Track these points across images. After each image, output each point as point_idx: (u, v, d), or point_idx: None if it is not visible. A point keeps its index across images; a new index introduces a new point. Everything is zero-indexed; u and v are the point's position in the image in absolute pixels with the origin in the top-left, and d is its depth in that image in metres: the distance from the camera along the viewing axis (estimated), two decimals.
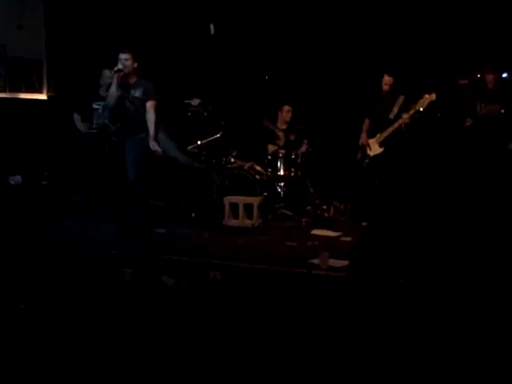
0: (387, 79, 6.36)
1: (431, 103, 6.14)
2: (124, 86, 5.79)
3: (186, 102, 7.45)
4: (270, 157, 7.13)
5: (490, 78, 6.45)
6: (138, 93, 5.82)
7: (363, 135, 6.64)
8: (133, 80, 5.84)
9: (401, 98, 6.33)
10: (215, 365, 3.49)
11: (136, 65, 5.82)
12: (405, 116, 6.21)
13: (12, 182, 7.25)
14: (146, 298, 4.56)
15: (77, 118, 6.88)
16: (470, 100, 6.63)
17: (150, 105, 5.82)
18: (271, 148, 7.30)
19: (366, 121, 6.68)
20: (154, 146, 5.77)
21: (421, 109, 6.13)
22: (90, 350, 3.66)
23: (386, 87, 6.40)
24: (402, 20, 7.09)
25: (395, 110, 6.32)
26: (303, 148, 7.19)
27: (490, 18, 6.76)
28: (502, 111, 6.36)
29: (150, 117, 5.80)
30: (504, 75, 6.70)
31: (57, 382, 3.32)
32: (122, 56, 5.74)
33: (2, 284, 4.74)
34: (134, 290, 4.72)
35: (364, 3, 7.26)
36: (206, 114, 7.33)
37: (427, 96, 6.12)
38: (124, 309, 4.34)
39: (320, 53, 7.52)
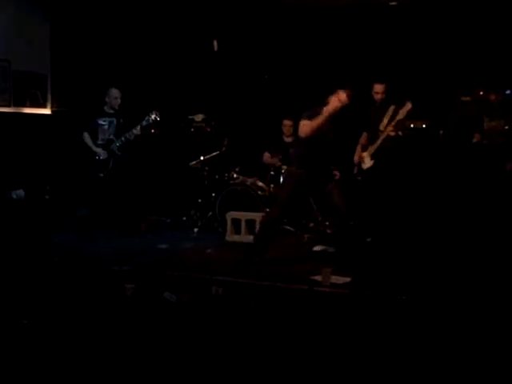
0: (378, 87, 6.37)
1: (409, 112, 6.13)
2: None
3: (190, 117, 7.48)
4: (272, 172, 7.15)
5: (492, 97, 6.50)
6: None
7: (358, 149, 6.62)
8: None
9: (390, 109, 6.29)
10: (218, 380, 3.48)
11: None
12: (389, 128, 6.21)
13: (15, 196, 7.26)
14: (147, 314, 4.54)
15: (86, 136, 6.86)
16: (475, 116, 6.65)
17: None
18: (267, 158, 7.34)
19: (363, 134, 6.65)
20: None
21: (401, 118, 6.14)
22: (92, 365, 3.65)
23: (377, 96, 6.39)
24: (405, 39, 7.13)
25: (385, 120, 6.30)
26: None
27: (491, 37, 6.79)
28: (507, 127, 6.39)
29: None
30: (507, 92, 6.73)
31: None
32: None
33: (4, 299, 4.73)
34: (136, 305, 4.71)
35: (367, 20, 7.30)
36: (209, 129, 7.36)
37: (404, 105, 6.13)
38: (126, 324, 4.33)
39: (323, 68, 7.54)
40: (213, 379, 3.51)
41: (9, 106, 7.80)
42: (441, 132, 7.19)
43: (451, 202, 6.49)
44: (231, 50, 7.87)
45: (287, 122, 7.41)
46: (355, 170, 6.63)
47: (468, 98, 7.17)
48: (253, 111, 7.83)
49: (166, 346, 3.94)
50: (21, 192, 7.30)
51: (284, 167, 7.09)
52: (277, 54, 7.78)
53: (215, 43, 7.84)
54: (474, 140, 6.53)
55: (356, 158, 6.58)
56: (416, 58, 7.10)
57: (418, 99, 6.34)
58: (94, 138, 6.81)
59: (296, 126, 7.40)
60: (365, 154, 6.49)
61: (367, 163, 6.44)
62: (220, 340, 4.04)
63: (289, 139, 7.47)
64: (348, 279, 4.85)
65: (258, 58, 7.82)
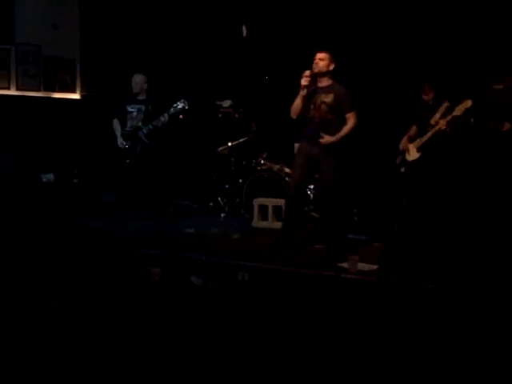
0: (427, 90, 6.28)
1: (467, 110, 6.02)
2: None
3: (218, 103, 7.48)
4: None
5: None
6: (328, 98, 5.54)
7: (404, 140, 6.52)
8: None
9: (444, 105, 6.19)
10: (242, 364, 3.49)
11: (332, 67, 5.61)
12: (441, 122, 6.11)
13: (44, 180, 7.36)
14: (174, 298, 4.57)
15: (115, 123, 6.89)
16: (507, 105, 6.52)
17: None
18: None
19: (413, 127, 6.56)
20: None
21: (458, 115, 6.03)
22: (118, 348, 3.69)
23: (425, 97, 6.30)
24: (439, 27, 7.00)
25: (437, 115, 6.19)
26: None
27: None
28: None
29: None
30: None
31: (83, 377, 3.35)
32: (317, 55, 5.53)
33: (33, 280, 4.80)
34: (163, 289, 4.74)
35: (402, 12, 7.17)
36: (237, 115, 7.35)
37: (463, 102, 6.01)
38: (152, 308, 4.36)
39: (356, 56, 7.44)
40: (236, 365, 3.51)
41: (39, 90, 7.90)
42: (472, 120, 7.06)
43: (483, 193, 6.38)
44: (260, 35, 7.82)
45: None
46: (398, 161, 6.54)
47: (500, 86, 7.03)
48: (281, 97, 7.77)
49: (191, 330, 3.96)
50: (50, 175, 7.40)
51: None
52: (307, 41, 7.69)
53: (244, 29, 7.80)
54: (504, 129, 6.40)
55: (401, 147, 6.51)
56: (448, 46, 6.98)
57: (450, 88, 6.24)
58: (123, 125, 6.83)
59: None
60: (411, 146, 6.40)
61: (413, 155, 6.36)
62: (245, 325, 4.05)
63: None
64: (375, 267, 4.82)
65: (287, 43, 7.75)
